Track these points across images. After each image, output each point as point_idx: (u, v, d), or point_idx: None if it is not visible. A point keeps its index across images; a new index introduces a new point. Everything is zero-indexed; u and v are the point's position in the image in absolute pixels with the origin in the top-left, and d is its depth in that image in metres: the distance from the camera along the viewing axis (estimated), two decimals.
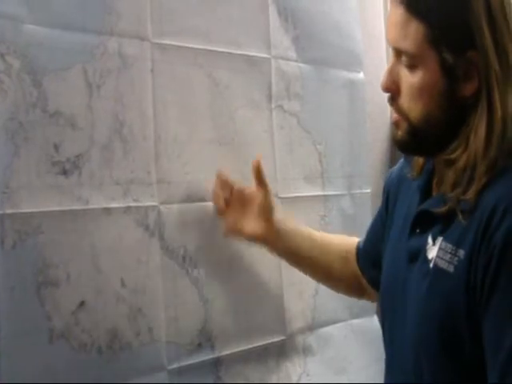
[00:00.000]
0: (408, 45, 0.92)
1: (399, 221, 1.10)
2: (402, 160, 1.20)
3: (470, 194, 0.90)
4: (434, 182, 1.03)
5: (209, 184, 1.42)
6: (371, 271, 1.26)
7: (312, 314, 1.64)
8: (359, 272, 1.32)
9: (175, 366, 1.36)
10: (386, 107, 1.94)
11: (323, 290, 1.65)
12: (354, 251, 1.35)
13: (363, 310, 1.77)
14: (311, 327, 1.63)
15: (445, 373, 0.93)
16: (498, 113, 0.91)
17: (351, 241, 1.38)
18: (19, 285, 1.16)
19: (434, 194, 1.02)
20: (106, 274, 1.27)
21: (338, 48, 1.76)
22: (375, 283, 1.21)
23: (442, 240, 0.94)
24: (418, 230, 1.00)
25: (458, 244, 0.91)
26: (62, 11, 1.23)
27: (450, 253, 0.91)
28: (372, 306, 1.81)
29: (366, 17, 1.91)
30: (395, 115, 0.98)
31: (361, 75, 1.83)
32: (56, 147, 1.21)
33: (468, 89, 0.92)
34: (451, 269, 0.91)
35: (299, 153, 1.64)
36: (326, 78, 1.72)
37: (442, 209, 0.93)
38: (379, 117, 1.93)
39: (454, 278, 0.90)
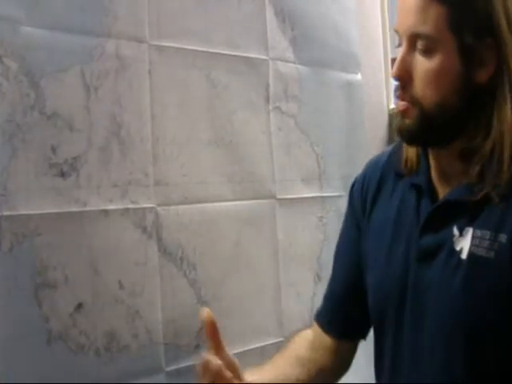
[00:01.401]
0: (427, 28, 0.91)
1: (386, 224, 1.06)
2: (369, 165, 1.17)
3: (505, 178, 0.90)
4: (435, 178, 1.01)
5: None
6: (350, 323, 1.16)
7: (310, 316, 1.63)
8: (333, 342, 1.16)
9: (173, 367, 1.36)
10: (384, 108, 1.96)
11: (321, 291, 1.65)
12: (316, 330, 1.19)
13: None
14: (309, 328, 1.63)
15: (485, 362, 0.91)
16: None
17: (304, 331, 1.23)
18: (17, 287, 1.16)
19: (441, 190, 1.00)
20: (103, 276, 1.27)
21: (335, 49, 1.76)
22: (355, 332, 1.15)
23: (475, 228, 0.92)
24: (431, 227, 0.98)
25: (497, 229, 0.90)
26: (60, 13, 1.23)
27: (489, 239, 0.90)
28: None
29: (363, 18, 1.91)
30: (403, 103, 0.95)
31: (358, 76, 1.83)
32: (53, 149, 1.21)
33: (483, 75, 0.92)
34: (491, 254, 0.90)
35: (297, 154, 1.64)
36: (324, 79, 1.73)
37: (477, 196, 0.91)
38: (377, 118, 1.94)
39: (497, 263, 0.89)
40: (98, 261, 1.26)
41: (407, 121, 0.95)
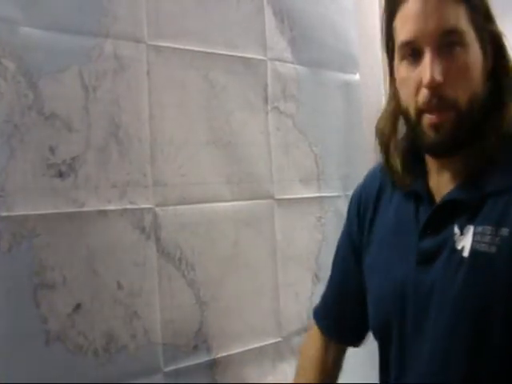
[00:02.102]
0: (456, 23, 0.92)
1: (386, 234, 1.07)
2: (369, 175, 1.18)
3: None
4: (434, 184, 1.01)
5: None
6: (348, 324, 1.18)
7: (308, 316, 1.63)
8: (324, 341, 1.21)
9: (171, 367, 1.36)
10: (382, 108, 1.95)
11: (319, 291, 1.65)
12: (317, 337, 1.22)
13: None
14: (307, 328, 1.63)
15: (490, 360, 0.90)
16: None
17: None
18: (15, 287, 1.16)
19: (438, 195, 0.99)
20: (102, 277, 1.27)
21: (333, 49, 1.76)
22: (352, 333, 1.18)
23: (476, 225, 0.92)
24: (431, 230, 0.97)
25: (498, 223, 0.89)
26: (58, 13, 1.23)
27: (490, 234, 0.90)
28: None
29: (361, 18, 1.91)
30: (435, 116, 0.93)
31: (356, 77, 1.84)
32: (52, 150, 1.21)
33: (490, 64, 0.95)
34: (493, 249, 0.89)
35: (295, 154, 1.64)
36: (322, 79, 1.73)
37: (477, 196, 0.92)
38: (375, 118, 1.93)
39: (498, 257, 0.88)
40: (96, 261, 1.26)
41: (442, 131, 0.93)
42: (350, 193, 1.75)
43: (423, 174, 1.03)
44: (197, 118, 1.43)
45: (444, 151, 0.97)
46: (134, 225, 1.32)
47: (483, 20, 0.95)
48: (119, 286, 1.29)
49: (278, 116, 1.61)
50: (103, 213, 1.27)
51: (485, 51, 0.95)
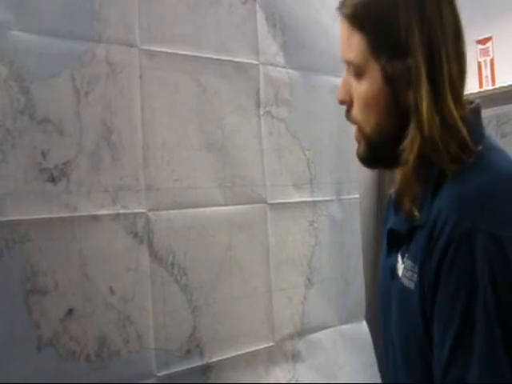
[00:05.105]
0: (353, 56, 0.95)
1: (384, 239, 1.09)
2: None
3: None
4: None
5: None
6: None
7: (301, 320, 1.64)
8: None
9: (164, 372, 1.36)
10: None
11: (312, 295, 1.66)
12: None
13: (352, 316, 1.78)
14: (300, 333, 1.63)
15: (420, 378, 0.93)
16: (425, 121, 0.90)
17: None
18: (6, 293, 1.15)
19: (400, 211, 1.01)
20: (94, 282, 1.26)
21: (325, 53, 1.76)
22: None
23: (406, 258, 0.93)
24: (392, 249, 1.00)
25: (414, 260, 0.91)
26: (50, 18, 1.22)
27: (411, 270, 0.91)
28: (361, 311, 1.82)
29: None
30: (356, 131, 0.98)
31: None
32: (44, 154, 1.21)
33: (412, 95, 0.91)
34: (412, 286, 0.91)
35: (288, 159, 1.65)
36: (314, 83, 1.73)
37: (404, 228, 0.94)
38: None
39: (414, 294, 0.90)
40: (88, 266, 1.25)
41: (360, 147, 0.98)
42: (343, 197, 1.78)
43: None
44: (189, 122, 1.43)
45: (365, 163, 1.01)
46: (127, 229, 1.31)
47: (394, 53, 0.90)
48: (111, 291, 1.28)
49: (270, 120, 1.61)
50: (95, 217, 1.27)
51: (393, 85, 0.91)
